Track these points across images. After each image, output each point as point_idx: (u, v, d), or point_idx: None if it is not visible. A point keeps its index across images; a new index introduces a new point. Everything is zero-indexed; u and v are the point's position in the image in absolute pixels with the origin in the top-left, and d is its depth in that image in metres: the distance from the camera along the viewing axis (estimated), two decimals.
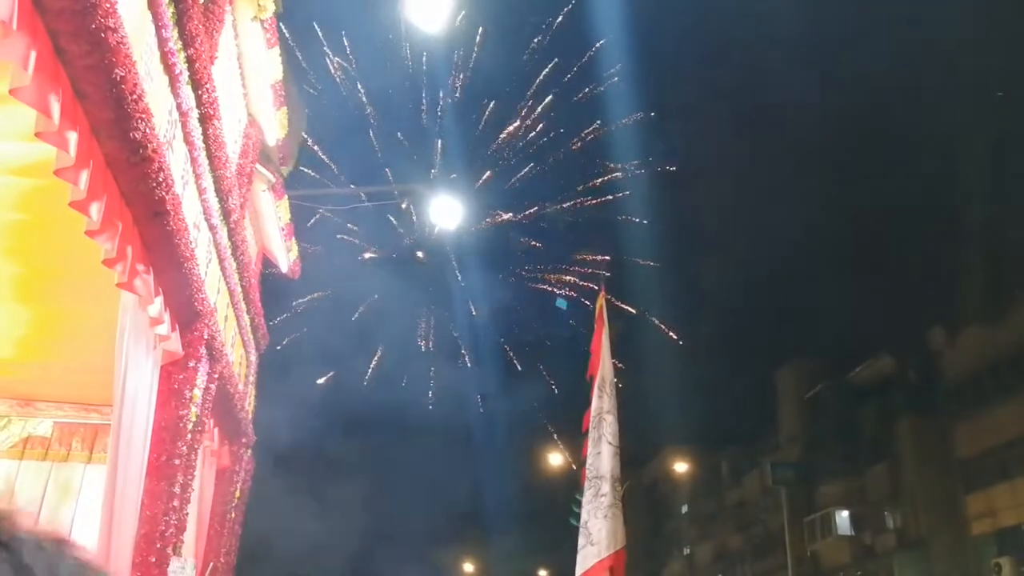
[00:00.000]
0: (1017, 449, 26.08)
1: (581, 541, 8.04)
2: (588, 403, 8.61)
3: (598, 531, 7.91)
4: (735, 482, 43.37)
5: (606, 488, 8.01)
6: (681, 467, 43.96)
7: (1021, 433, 25.81)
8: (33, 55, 3.17)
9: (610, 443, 8.18)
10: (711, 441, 45.52)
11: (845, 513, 33.09)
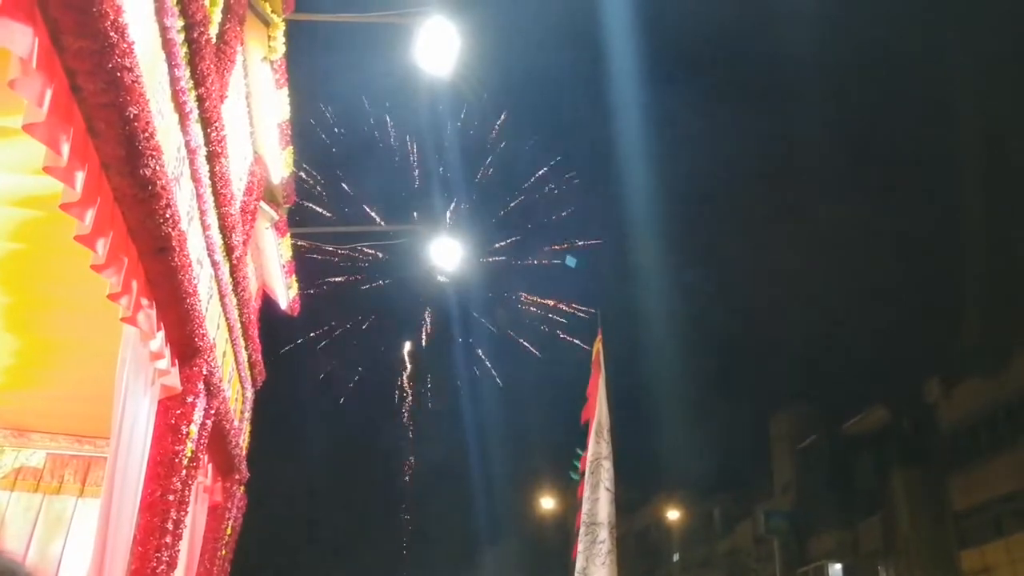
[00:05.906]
0: (1012, 504, 25.95)
1: None
2: (585, 447, 8.61)
3: None
4: (727, 530, 42.97)
5: (604, 535, 8.02)
6: (673, 514, 43.63)
7: (1016, 488, 25.69)
8: (49, 93, 3.21)
9: (608, 489, 8.19)
10: (703, 488, 45.25)
11: (838, 566, 32.77)
